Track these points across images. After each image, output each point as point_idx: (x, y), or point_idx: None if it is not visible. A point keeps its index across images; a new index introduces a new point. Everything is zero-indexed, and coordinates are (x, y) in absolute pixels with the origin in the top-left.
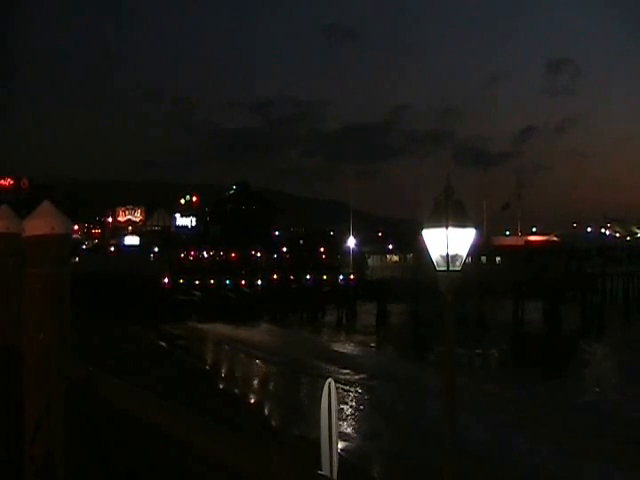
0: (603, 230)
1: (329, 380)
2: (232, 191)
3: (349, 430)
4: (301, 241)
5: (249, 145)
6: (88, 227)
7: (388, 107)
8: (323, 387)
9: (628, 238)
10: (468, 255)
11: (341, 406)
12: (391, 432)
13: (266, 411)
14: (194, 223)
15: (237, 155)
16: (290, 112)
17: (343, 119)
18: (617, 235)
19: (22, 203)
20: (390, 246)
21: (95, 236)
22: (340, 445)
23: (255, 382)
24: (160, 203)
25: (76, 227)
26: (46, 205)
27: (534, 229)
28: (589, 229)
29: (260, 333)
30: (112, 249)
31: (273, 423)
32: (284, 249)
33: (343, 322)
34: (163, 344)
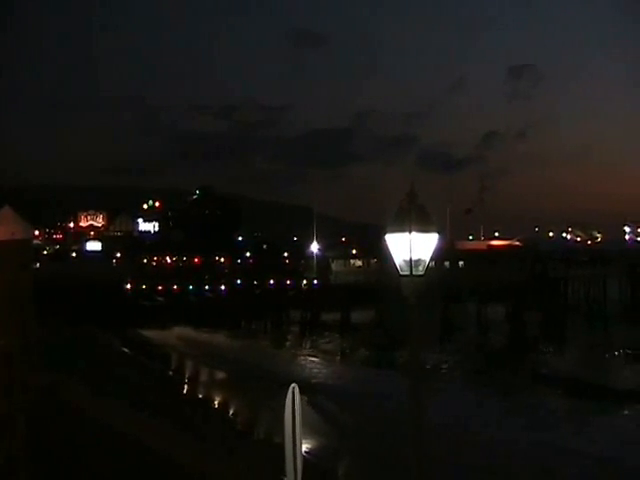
0: (564, 234)
1: (293, 385)
2: (195, 196)
3: None
4: (265, 246)
5: (214, 149)
6: (49, 232)
7: (353, 112)
8: (287, 393)
9: (589, 242)
10: (431, 260)
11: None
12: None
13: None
14: (157, 228)
15: (201, 159)
16: (255, 116)
17: (308, 124)
18: (578, 239)
19: None
20: (354, 251)
21: (56, 241)
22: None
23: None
24: (123, 208)
25: (37, 232)
26: (6, 211)
27: (496, 233)
28: (551, 233)
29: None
30: (74, 254)
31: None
32: (248, 254)
33: (306, 329)
34: (126, 350)
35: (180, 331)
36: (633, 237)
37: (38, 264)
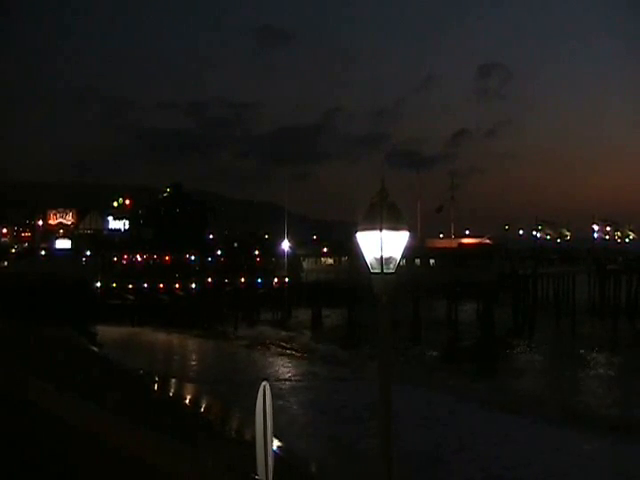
0: (534, 232)
1: (264, 383)
2: (166, 193)
3: None
4: (236, 244)
5: (183, 147)
6: (18, 230)
7: (322, 109)
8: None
9: (558, 240)
10: (402, 257)
11: None
12: None
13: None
14: (127, 226)
15: (171, 157)
16: (224, 113)
17: (277, 121)
18: (548, 237)
19: None
20: (325, 249)
21: (25, 239)
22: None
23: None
24: (92, 206)
25: (5, 230)
26: None
27: (467, 231)
28: (521, 231)
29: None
30: (43, 253)
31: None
32: (219, 252)
33: (278, 328)
34: (95, 348)
35: (139, 332)
36: (601, 235)
37: (6, 262)
